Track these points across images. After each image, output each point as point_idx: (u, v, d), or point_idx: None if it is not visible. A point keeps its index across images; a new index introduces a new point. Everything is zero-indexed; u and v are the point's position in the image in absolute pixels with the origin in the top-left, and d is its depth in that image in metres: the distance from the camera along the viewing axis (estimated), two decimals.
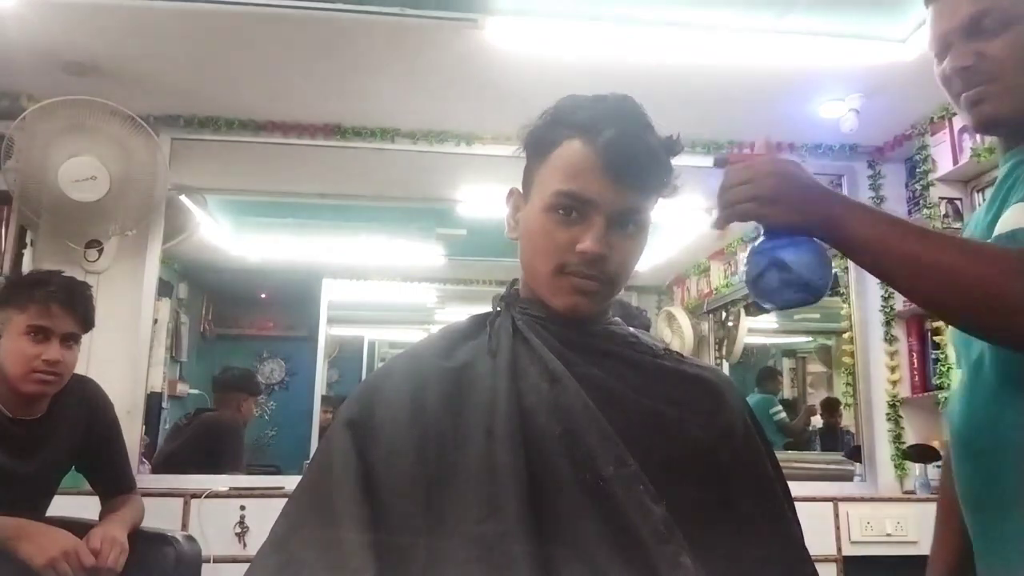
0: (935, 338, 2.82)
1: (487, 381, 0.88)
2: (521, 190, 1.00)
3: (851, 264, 3.08)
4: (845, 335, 3.15)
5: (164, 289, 4.08)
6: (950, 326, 1.03)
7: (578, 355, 0.91)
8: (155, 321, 2.97)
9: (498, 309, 0.98)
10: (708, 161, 3.78)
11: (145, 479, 2.65)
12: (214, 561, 2.39)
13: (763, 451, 0.94)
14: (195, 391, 4.78)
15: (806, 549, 0.92)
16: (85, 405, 1.93)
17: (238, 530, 2.49)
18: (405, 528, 0.81)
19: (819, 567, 0.93)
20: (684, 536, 0.79)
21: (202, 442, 3.40)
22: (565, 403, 0.85)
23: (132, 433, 2.66)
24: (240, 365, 5.54)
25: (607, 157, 0.89)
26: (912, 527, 2.66)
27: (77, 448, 1.91)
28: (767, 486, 0.92)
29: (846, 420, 3.55)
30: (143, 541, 1.85)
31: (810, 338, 4.65)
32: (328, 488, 0.86)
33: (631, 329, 1.01)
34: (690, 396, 0.92)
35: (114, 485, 1.98)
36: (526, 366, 0.89)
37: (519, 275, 1.00)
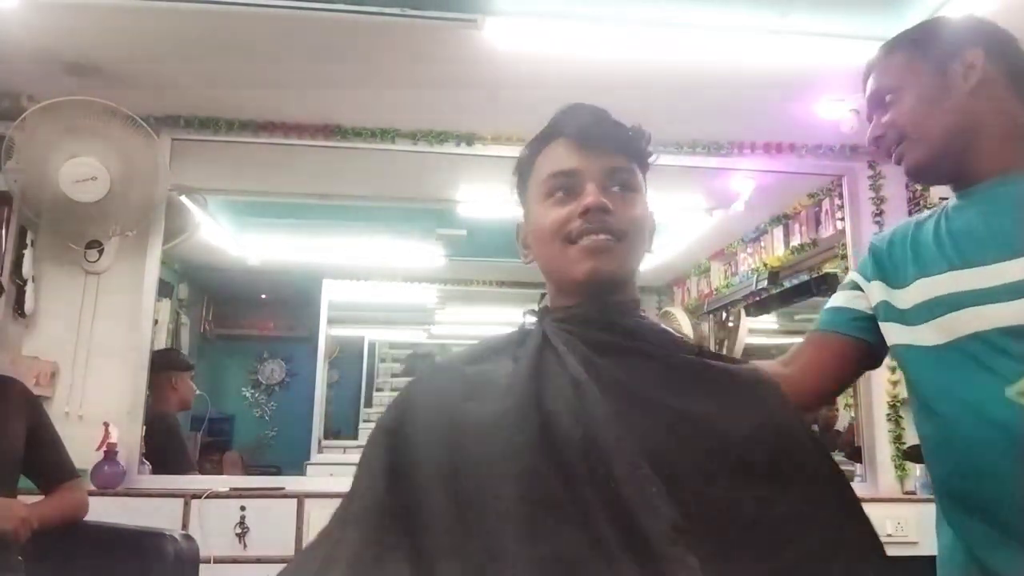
0: None
1: (506, 386, 0.88)
2: (523, 220, 1.07)
3: (851, 264, 3.09)
4: None
5: (164, 290, 4.08)
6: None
7: (605, 357, 0.90)
8: (155, 322, 2.97)
9: (528, 319, 0.99)
10: (708, 161, 3.81)
11: (145, 479, 2.65)
12: (214, 561, 2.39)
13: (809, 448, 0.89)
14: (196, 392, 4.78)
15: (862, 548, 0.85)
16: (20, 398, 1.95)
17: (238, 530, 2.49)
18: (428, 530, 0.81)
19: None
20: (714, 536, 0.77)
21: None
22: (587, 407, 0.84)
23: (133, 434, 2.67)
24: (241, 366, 5.57)
25: (577, 131, 0.98)
26: (913, 528, 2.66)
27: (24, 439, 1.92)
28: (811, 483, 0.86)
29: (846, 420, 3.55)
30: (141, 539, 1.86)
31: None
32: (360, 488, 0.90)
33: (662, 326, 1.01)
34: (722, 393, 0.89)
35: (58, 473, 1.98)
36: (553, 372, 0.89)
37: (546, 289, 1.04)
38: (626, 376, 0.88)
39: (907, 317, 1.12)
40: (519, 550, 0.75)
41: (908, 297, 1.12)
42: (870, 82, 1.20)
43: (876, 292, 1.18)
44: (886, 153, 1.19)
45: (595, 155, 0.97)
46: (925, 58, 1.13)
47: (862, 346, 1.19)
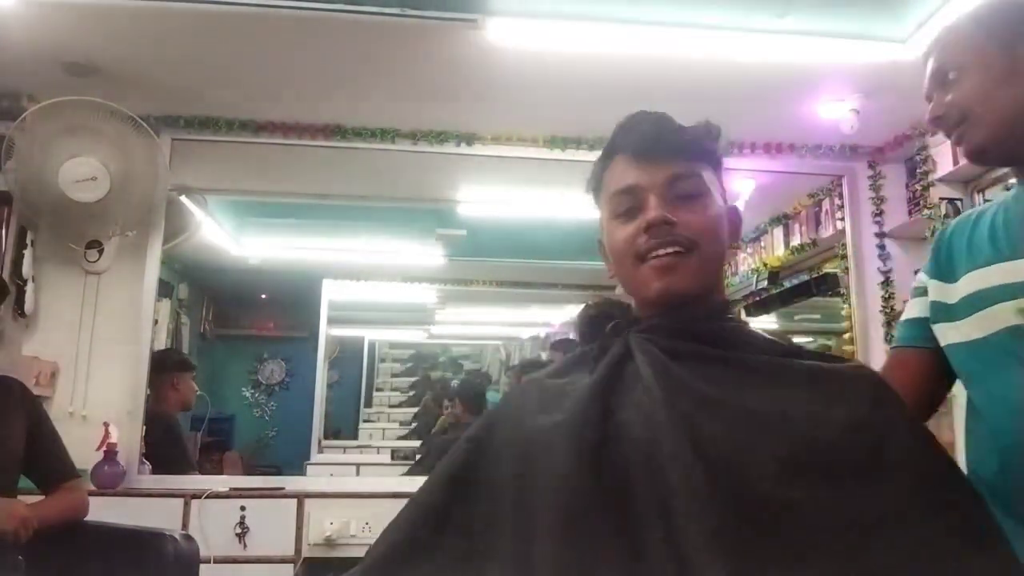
0: None
1: (576, 398, 0.88)
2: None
3: (851, 264, 3.09)
4: (845, 335, 3.15)
5: (164, 290, 4.09)
6: None
7: (683, 365, 0.87)
8: (155, 322, 2.97)
9: (611, 331, 0.97)
10: None
11: (145, 479, 2.65)
12: (214, 561, 2.39)
13: (909, 447, 0.82)
14: (197, 392, 4.78)
15: (963, 561, 0.76)
16: (19, 398, 1.95)
17: (238, 530, 2.49)
18: (473, 535, 0.85)
19: None
20: (776, 542, 0.74)
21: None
22: (654, 416, 0.82)
23: (133, 434, 2.67)
24: (241, 366, 5.57)
25: (633, 145, 0.96)
26: None
27: (24, 438, 1.92)
28: (905, 485, 0.79)
29: None
30: (141, 539, 1.86)
31: (811, 338, 4.65)
32: (418, 491, 0.93)
33: (751, 328, 0.98)
34: (805, 393, 0.84)
35: (58, 473, 1.98)
36: (630, 382, 0.88)
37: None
38: (701, 382, 0.85)
39: (953, 312, 1.10)
40: (548, 559, 0.77)
41: (956, 292, 1.10)
42: (932, 60, 1.15)
43: (932, 292, 1.15)
44: (946, 133, 1.15)
45: (654, 167, 0.94)
46: (992, 38, 1.09)
47: (943, 354, 1.13)
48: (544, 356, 4.55)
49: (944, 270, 1.14)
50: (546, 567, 0.77)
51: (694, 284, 0.92)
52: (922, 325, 1.17)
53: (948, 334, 1.11)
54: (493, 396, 5.13)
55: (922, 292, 1.19)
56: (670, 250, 0.91)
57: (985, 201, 2.79)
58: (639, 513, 0.77)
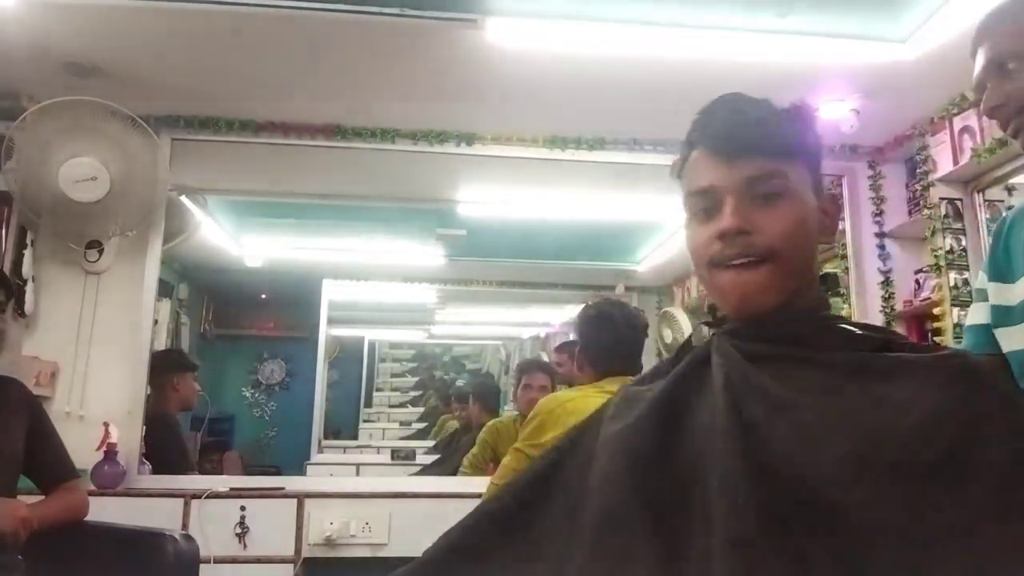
0: (935, 338, 2.82)
1: (644, 404, 0.87)
2: None
3: (851, 264, 3.09)
4: None
5: (164, 290, 4.08)
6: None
7: (763, 368, 0.82)
8: (155, 322, 2.97)
9: (703, 332, 0.95)
10: None
11: (145, 479, 2.65)
12: (214, 561, 2.39)
13: (1005, 445, 0.73)
14: (198, 393, 4.79)
15: None
16: (20, 398, 1.95)
17: (238, 530, 2.49)
18: (530, 540, 0.86)
19: None
20: (844, 550, 0.69)
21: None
22: (717, 423, 0.79)
23: (133, 434, 2.67)
24: (241, 366, 5.57)
25: (712, 143, 0.88)
26: None
27: (24, 439, 1.92)
28: (995, 489, 0.71)
29: None
30: (141, 539, 1.86)
31: None
32: (497, 492, 0.95)
33: (843, 324, 0.90)
34: (893, 389, 0.77)
35: (58, 473, 1.98)
36: (707, 386, 0.85)
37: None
38: (775, 385, 0.80)
39: (1012, 317, 1.05)
40: (575, 567, 0.78)
41: (1015, 294, 1.05)
42: (986, 48, 1.09)
43: (992, 295, 1.10)
44: (1002, 124, 1.11)
45: (732, 165, 0.86)
46: None
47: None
48: (548, 358, 4.55)
49: (1003, 270, 1.09)
50: (580, 571, 0.77)
51: (772, 296, 0.85)
52: (984, 332, 1.12)
53: (1008, 339, 1.06)
54: None
55: (983, 296, 1.14)
56: (743, 260, 0.84)
57: (985, 201, 2.79)
58: (682, 521, 0.76)
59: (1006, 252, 1.10)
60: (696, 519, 0.75)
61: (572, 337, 4.64)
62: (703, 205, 0.88)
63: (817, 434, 0.75)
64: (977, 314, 1.16)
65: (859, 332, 0.87)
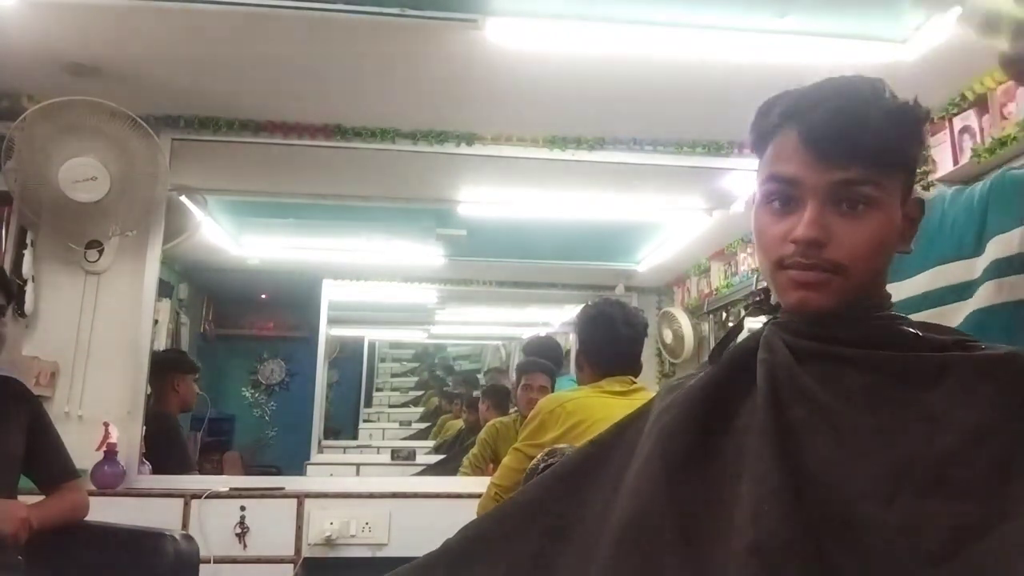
0: None
1: (680, 400, 0.85)
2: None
3: None
4: None
5: (164, 290, 4.08)
6: None
7: (809, 368, 0.79)
8: (155, 322, 2.97)
9: (752, 322, 0.92)
10: (709, 161, 3.80)
11: (145, 479, 2.65)
12: (214, 561, 2.39)
13: None
14: (198, 394, 4.79)
15: None
16: (19, 398, 1.95)
17: (238, 530, 2.49)
18: (554, 537, 0.85)
19: None
20: (873, 568, 0.67)
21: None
22: (757, 424, 0.76)
23: (133, 434, 2.66)
24: (241, 366, 5.57)
25: (810, 133, 0.82)
26: None
27: (24, 439, 1.92)
28: None
29: None
30: (141, 539, 1.86)
31: None
32: (529, 485, 0.93)
33: (902, 326, 0.85)
34: (942, 396, 0.73)
35: (58, 473, 1.98)
36: (751, 382, 0.82)
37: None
38: (819, 387, 0.77)
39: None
40: (601, 564, 0.76)
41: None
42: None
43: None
44: None
45: (826, 165, 0.81)
46: None
47: None
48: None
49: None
50: (598, 572, 0.76)
51: (834, 303, 0.81)
52: None
53: None
54: None
55: None
56: (812, 274, 0.81)
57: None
58: (713, 526, 0.74)
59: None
60: (724, 522, 0.72)
61: (571, 338, 4.64)
62: (782, 194, 0.84)
63: (856, 446, 0.72)
64: None
65: (920, 333, 0.82)
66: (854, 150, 0.80)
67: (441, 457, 4.56)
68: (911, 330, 0.83)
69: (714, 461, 0.78)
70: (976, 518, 0.66)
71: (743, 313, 0.92)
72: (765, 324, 0.88)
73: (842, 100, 0.84)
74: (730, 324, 4.30)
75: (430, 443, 5.39)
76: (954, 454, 0.69)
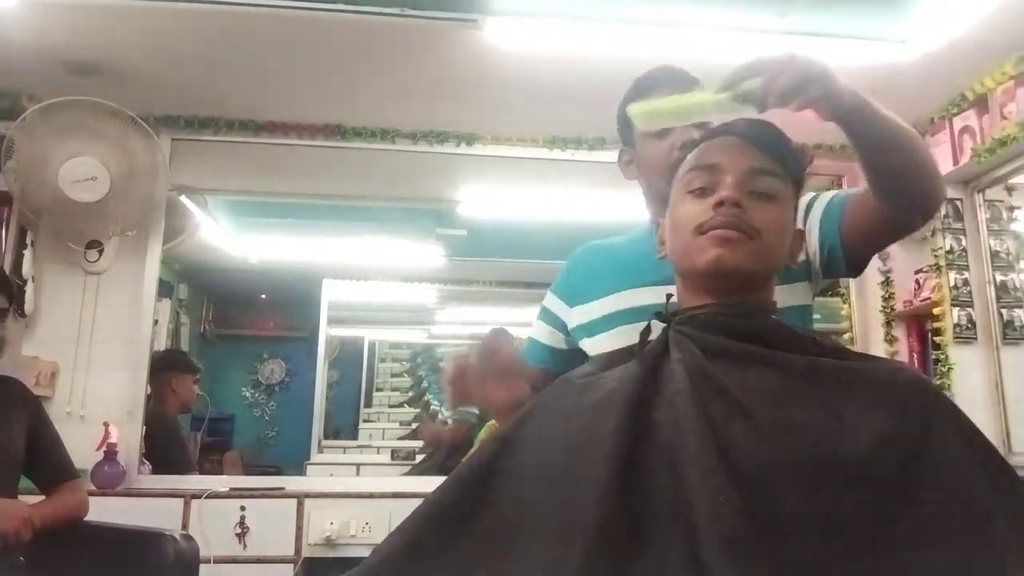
0: (935, 338, 2.82)
1: (602, 398, 0.87)
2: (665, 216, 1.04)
3: None
4: (845, 335, 3.15)
5: (164, 290, 4.09)
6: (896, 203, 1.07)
7: (718, 363, 0.85)
8: (155, 322, 2.97)
9: (655, 324, 0.95)
10: None
11: (145, 479, 2.65)
12: (215, 561, 2.39)
13: (951, 462, 0.78)
14: (197, 395, 4.79)
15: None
16: (19, 398, 1.95)
17: (238, 530, 2.49)
18: (478, 535, 0.85)
19: None
20: (797, 552, 0.72)
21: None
22: (684, 420, 0.80)
23: (133, 434, 2.66)
24: (241, 366, 5.57)
25: (728, 126, 0.99)
26: None
27: (24, 439, 1.92)
28: (952, 502, 0.75)
29: None
30: (141, 540, 1.86)
31: None
32: (435, 490, 0.94)
33: (795, 329, 0.92)
34: (843, 398, 0.80)
35: (58, 473, 1.98)
36: (666, 380, 0.86)
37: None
38: (735, 384, 0.82)
39: (595, 328, 1.26)
40: (541, 560, 0.77)
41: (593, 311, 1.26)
42: None
43: (572, 315, 1.30)
44: None
45: (741, 154, 0.96)
46: None
47: None
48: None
49: (577, 292, 1.31)
50: (556, 568, 0.75)
51: (747, 263, 0.91)
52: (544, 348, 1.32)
53: (593, 346, 1.22)
54: None
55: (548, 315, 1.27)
56: (733, 232, 0.90)
57: (985, 201, 2.80)
58: (658, 516, 0.76)
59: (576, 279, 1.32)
60: (671, 515, 0.75)
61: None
62: (702, 182, 0.95)
63: (780, 444, 0.77)
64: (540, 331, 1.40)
65: (810, 336, 0.92)
66: (769, 144, 0.97)
67: (423, 456, 4.53)
68: (805, 333, 0.93)
69: (651, 457, 0.80)
70: (892, 507, 0.74)
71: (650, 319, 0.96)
72: (667, 327, 0.93)
73: (763, 121, 1.00)
74: None
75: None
76: (869, 453, 0.76)
